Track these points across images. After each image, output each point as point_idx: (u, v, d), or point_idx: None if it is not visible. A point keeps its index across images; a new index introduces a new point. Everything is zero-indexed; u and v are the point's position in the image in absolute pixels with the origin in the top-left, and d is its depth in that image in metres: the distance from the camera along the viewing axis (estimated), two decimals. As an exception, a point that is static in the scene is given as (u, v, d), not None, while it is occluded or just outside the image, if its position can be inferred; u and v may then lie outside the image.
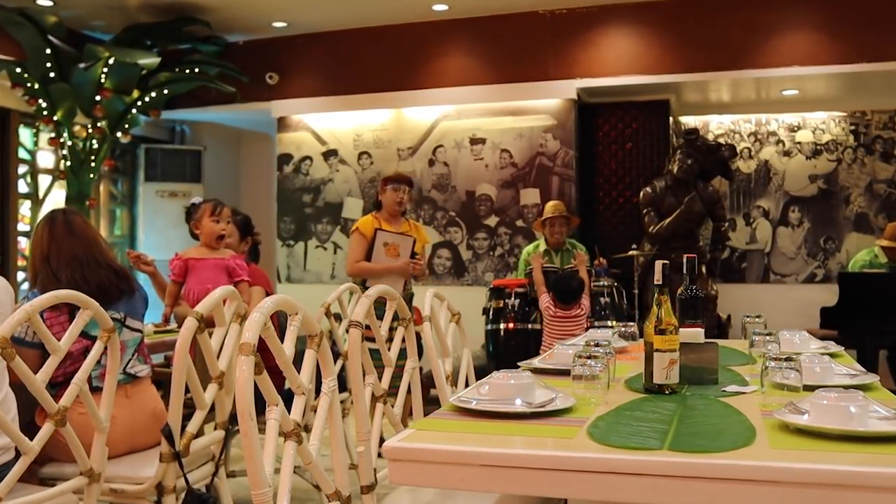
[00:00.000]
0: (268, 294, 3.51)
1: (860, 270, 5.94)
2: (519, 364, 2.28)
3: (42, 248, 2.52)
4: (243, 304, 2.39)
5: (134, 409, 2.49)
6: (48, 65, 6.25)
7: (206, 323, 2.09)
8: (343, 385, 3.22)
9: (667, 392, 1.80)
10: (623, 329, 2.74)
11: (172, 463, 2.15)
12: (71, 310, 2.39)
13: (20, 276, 6.58)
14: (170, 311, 3.47)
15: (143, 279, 3.55)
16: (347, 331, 1.84)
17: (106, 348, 2.11)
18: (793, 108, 7.09)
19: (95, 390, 2.27)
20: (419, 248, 4.42)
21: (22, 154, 6.77)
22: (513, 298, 5.14)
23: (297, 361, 1.57)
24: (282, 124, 7.33)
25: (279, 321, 3.00)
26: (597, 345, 1.85)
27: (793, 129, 7.17)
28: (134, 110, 6.75)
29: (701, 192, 6.19)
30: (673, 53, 6.27)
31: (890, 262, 5.86)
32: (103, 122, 6.60)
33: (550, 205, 5.66)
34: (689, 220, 6.14)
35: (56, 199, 6.93)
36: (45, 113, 6.38)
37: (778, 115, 7.17)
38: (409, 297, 4.37)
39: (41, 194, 6.92)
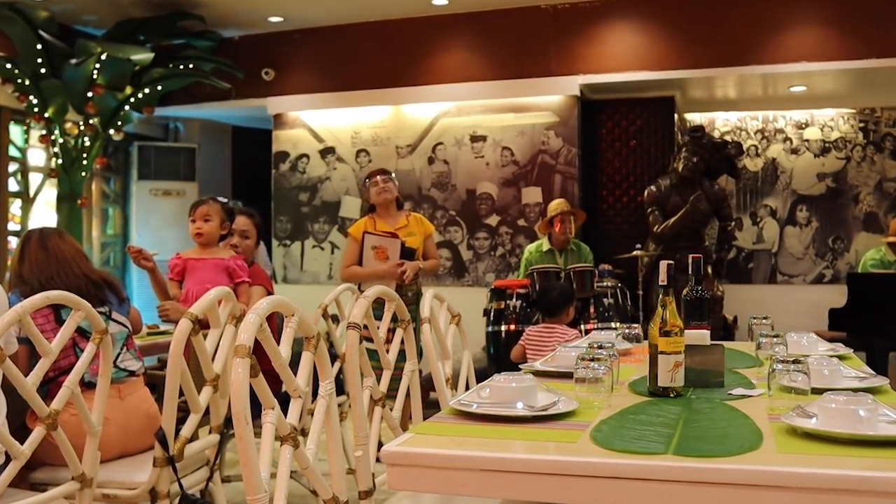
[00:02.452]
0: (268, 295, 3.47)
1: (869, 270, 5.89)
2: (520, 366, 2.27)
3: (15, 267, 2.59)
4: (239, 305, 2.36)
5: (127, 411, 2.47)
6: (39, 60, 6.23)
7: (201, 324, 2.06)
8: (341, 388, 3.19)
9: (672, 395, 1.79)
10: (627, 331, 2.74)
11: (166, 467, 2.14)
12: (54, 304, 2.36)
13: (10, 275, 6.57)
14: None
15: (141, 275, 3.52)
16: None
17: (98, 350, 2.09)
18: (801, 105, 7.06)
19: (87, 386, 2.24)
20: (419, 241, 4.29)
21: (12, 152, 6.75)
22: (514, 300, 5.10)
23: (294, 364, 1.55)
24: (278, 121, 7.31)
25: (277, 323, 2.97)
26: (600, 347, 1.83)
27: (801, 127, 7.14)
28: (127, 107, 6.74)
29: (707, 190, 6.15)
30: (678, 49, 6.22)
31: (898, 259, 5.83)
32: (95, 119, 6.59)
33: (555, 203, 5.62)
34: (694, 219, 6.10)
35: (47, 197, 6.91)
36: (35, 110, 6.37)
37: (785, 111, 7.14)
38: (416, 297, 4.26)
39: (32, 193, 6.89)
